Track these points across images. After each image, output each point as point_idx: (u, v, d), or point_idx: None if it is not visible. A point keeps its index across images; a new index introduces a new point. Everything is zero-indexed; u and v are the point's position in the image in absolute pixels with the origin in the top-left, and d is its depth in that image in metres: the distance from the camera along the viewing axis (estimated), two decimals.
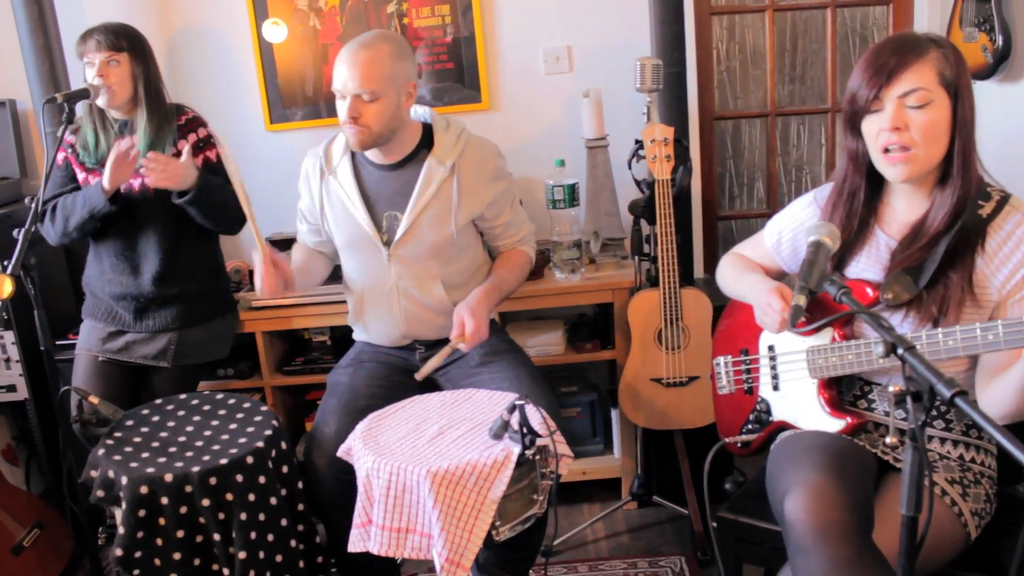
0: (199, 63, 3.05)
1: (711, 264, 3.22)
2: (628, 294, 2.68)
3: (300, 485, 2.04)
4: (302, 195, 2.33)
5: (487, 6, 2.98)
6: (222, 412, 2.11)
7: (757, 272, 1.89)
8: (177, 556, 1.85)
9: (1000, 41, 2.50)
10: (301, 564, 2.00)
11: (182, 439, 1.99)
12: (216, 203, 2.36)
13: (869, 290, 1.64)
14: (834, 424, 1.70)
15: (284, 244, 2.90)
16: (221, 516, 1.86)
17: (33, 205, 2.05)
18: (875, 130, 1.59)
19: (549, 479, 1.78)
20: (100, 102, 2.36)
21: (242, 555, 1.86)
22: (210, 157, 2.45)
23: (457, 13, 2.97)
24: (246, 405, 2.13)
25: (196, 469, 1.84)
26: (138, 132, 2.39)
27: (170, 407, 2.16)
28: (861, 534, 1.45)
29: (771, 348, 1.86)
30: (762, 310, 1.74)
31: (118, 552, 1.83)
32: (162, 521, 1.84)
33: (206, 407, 2.14)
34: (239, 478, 1.87)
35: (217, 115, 2.74)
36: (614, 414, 2.88)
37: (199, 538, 1.88)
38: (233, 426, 2.03)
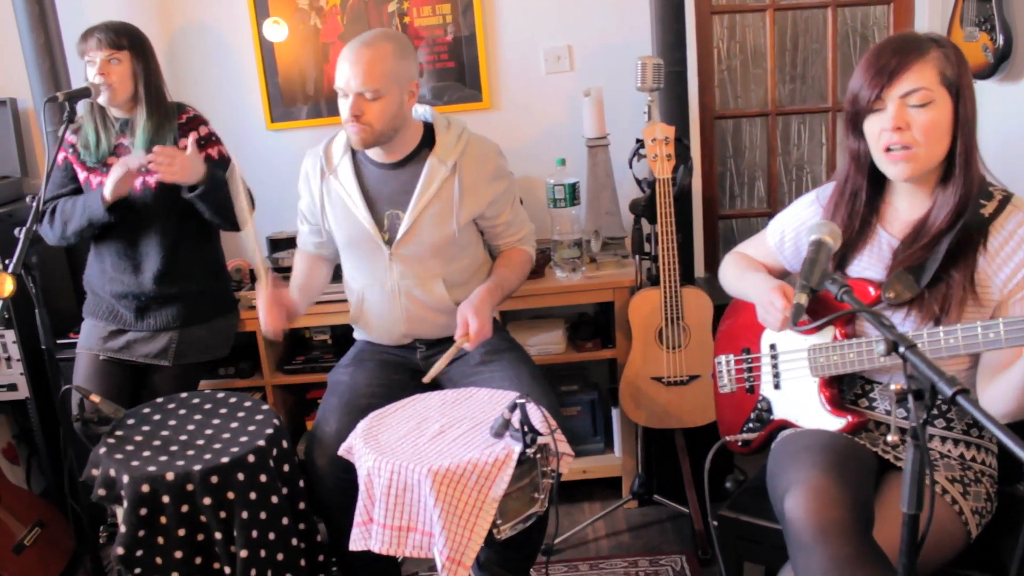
0: (200, 62, 3.05)
1: (712, 263, 3.22)
2: (629, 293, 2.68)
3: (301, 484, 2.05)
4: (302, 195, 2.33)
5: (488, 5, 2.98)
6: (223, 411, 2.11)
7: (760, 271, 1.89)
8: (178, 554, 1.85)
9: (1001, 40, 2.50)
10: (302, 562, 2.00)
11: (183, 438, 1.99)
12: (225, 198, 2.36)
13: (871, 289, 1.64)
14: (835, 422, 1.71)
15: (285, 243, 2.91)
16: (222, 514, 1.86)
17: (34, 204, 2.05)
18: (877, 130, 1.59)
19: (550, 477, 1.78)
20: (101, 101, 2.36)
21: (243, 553, 1.86)
22: (211, 154, 2.45)
23: (458, 12, 2.97)
24: (247, 404, 2.13)
25: (197, 467, 1.84)
26: (138, 130, 2.39)
27: (171, 406, 2.16)
28: (861, 532, 1.45)
29: (773, 347, 1.86)
30: (764, 308, 1.74)
31: (119, 550, 1.83)
32: (163, 519, 1.84)
33: (207, 406, 2.14)
34: (240, 476, 1.87)
35: (218, 114, 2.74)
36: (615, 413, 2.89)
37: (200, 536, 1.88)
38: (234, 425, 2.03)
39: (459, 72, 3.03)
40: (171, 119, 2.42)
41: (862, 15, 3.18)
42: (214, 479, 1.84)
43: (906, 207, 1.69)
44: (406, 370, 2.33)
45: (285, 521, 1.94)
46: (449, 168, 2.19)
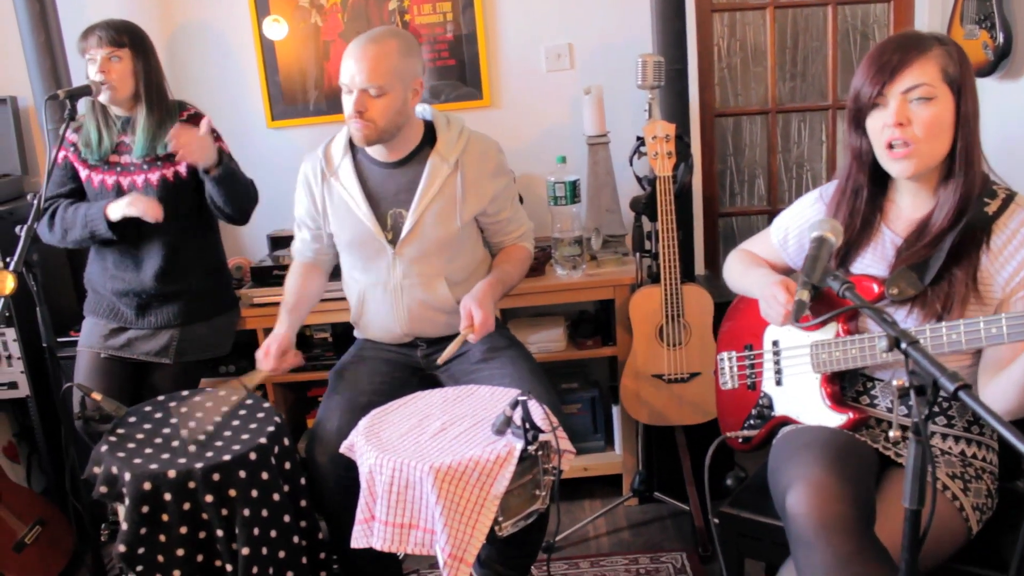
0: (200, 60, 3.05)
1: (712, 261, 3.22)
2: (629, 291, 2.68)
3: (303, 481, 2.05)
4: (301, 201, 2.31)
5: (488, 3, 2.98)
6: (224, 408, 2.11)
7: (763, 267, 1.90)
8: (180, 552, 1.85)
9: (1001, 38, 2.51)
10: (304, 560, 2.00)
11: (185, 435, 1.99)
12: (239, 183, 2.39)
13: (875, 285, 1.65)
14: (836, 419, 1.71)
15: (286, 241, 2.91)
16: (224, 512, 1.86)
17: (35, 203, 2.06)
18: (879, 126, 1.60)
19: (551, 475, 1.78)
20: (102, 99, 2.36)
21: (245, 551, 1.86)
22: None
23: (458, 10, 2.97)
24: (248, 402, 2.13)
25: (199, 465, 1.84)
26: (139, 128, 2.39)
27: (173, 404, 2.16)
28: (863, 528, 1.45)
29: (775, 343, 1.87)
30: (767, 303, 1.75)
31: (121, 548, 1.83)
32: (165, 517, 1.84)
33: (208, 404, 2.14)
34: (242, 474, 1.87)
35: (218, 112, 2.73)
36: (615, 410, 2.89)
37: (202, 534, 1.88)
38: (236, 423, 2.03)
39: (460, 70, 3.03)
40: (172, 117, 2.42)
41: (862, 13, 3.18)
42: (216, 477, 1.84)
43: (909, 205, 1.69)
44: (407, 368, 2.34)
45: (287, 519, 1.94)
46: (451, 165, 2.19)
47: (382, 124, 2.10)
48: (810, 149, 3.31)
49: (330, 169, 2.25)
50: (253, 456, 1.89)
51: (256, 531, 1.88)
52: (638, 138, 2.56)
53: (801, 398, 1.79)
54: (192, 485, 1.83)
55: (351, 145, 2.25)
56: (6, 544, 2.48)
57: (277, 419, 2.03)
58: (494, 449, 1.70)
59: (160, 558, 1.84)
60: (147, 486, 1.82)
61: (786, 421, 1.83)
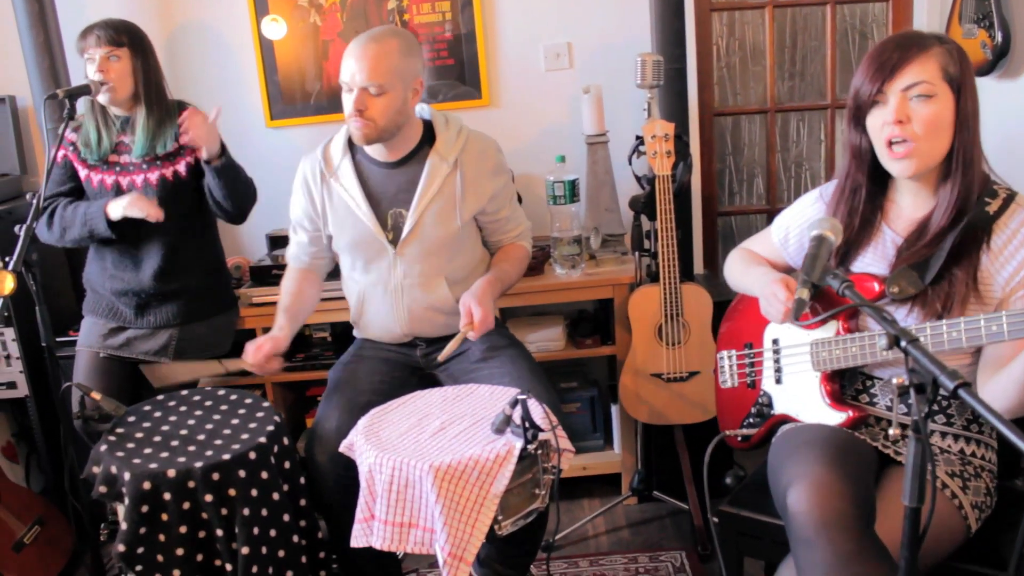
0: (199, 60, 3.05)
1: (711, 260, 3.22)
2: (628, 290, 2.68)
3: (302, 481, 2.05)
4: (298, 202, 2.31)
5: (487, 2, 2.98)
6: (224, 408, 2.11)
7: (763, 265, 1.91)
8: (180, 552, 1.85)
9: (999, 37, 2.51)
10: (303, 559, 2.00)
11: (184, 434, 1.99)
12: (239, 178, 2.40)
13: (875, 284, 1.65)
14: (835, 417, 1.71)
15: (285, 241, 2.90)
16: (224, 511, 1.86)
17: (35, 202, 2.05)
18: (879, 123, 1.60)
19: (551, 473, 1.78)
20: (102, 100, 2.36)
21: (245, 550, 1.86)
22: None
23: (457, 9, 2.97)
24: (247, 401, 2.13)
25: (199, 464, 1.84)
26: (139, 128, 2.39)
27: (172, 403, 2.16)
28: (864, 527, 1.46)
29: (776, 341, 1.87)
30: (767, 300, 1.75)
31: (121, 548, 1.83)
32: (165, 517, 1.84)
33: (208, 403, 2.15)
34: (242, 473, 1.87)
35: None
36: (614, 409, 2.89)
37: (202, 533, 1.89)
38: (235, 422, 2.03)
39: (459, 70, 3.03)
40: (171, 116, 2.42)
41: (861, 12, 3.18)
42: (216, 476, 1.84)
43: (910, 205, 1.69)
44: (406, 367, 2.34)
45: (286, 518, 1.94)
46: (450, 164, 2.19)
47: (382, 123, 2.10)
48: (809, 148, 3.32)
49: (329, 170, 2.24)
50: (253, 455, 1.89)
51: (256, 530, 1.88)
52: (637, 137, 2.56)
53: (801, 396, 1.79)
54: (192, 484, 1.83)
55: (350, 145, 2.25)
56: (5, 544, 2.48)
57: (276, 418, 2.03)
58: (494, 448, 1.70)
59: (160, 557, 1.84)
60: (147, 485, 1.82)
61: (785, 419, 1.83)
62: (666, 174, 2.45)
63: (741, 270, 1.95)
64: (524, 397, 1.72)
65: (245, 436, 1.95)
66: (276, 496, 1.92)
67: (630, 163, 2.64)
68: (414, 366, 2.35)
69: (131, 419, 2.07)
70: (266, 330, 2.75)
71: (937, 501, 1.54)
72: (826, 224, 1.48)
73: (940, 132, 1.57)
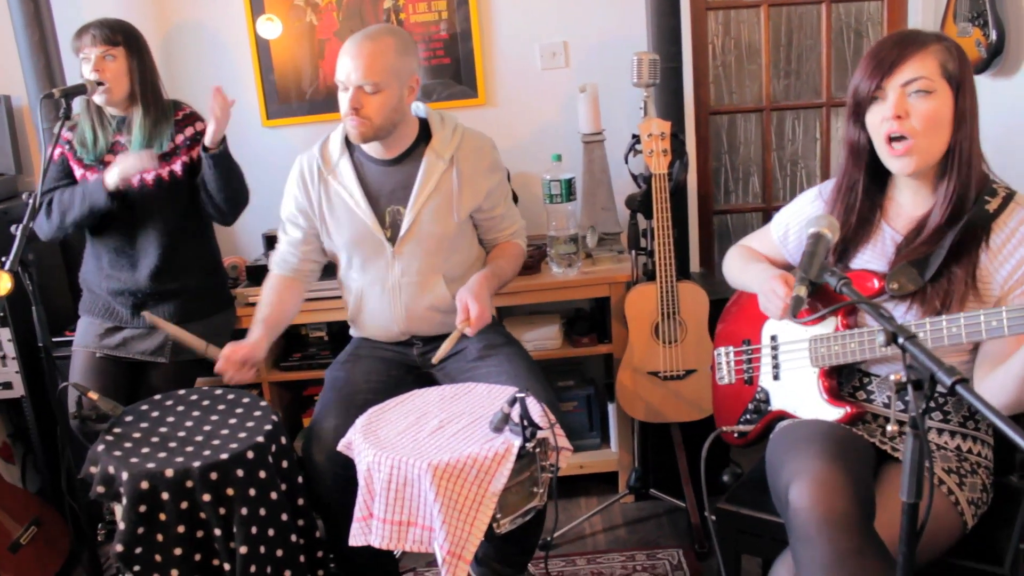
0: (195, 59, 3.04)
1: (707, 258, 3.23)
2: (625, 288, 2.69)
3: (300, 480, 2.05)
4: (295, 200, 2.29)
5: (483, 1, 2.98)
6: (221, 407, 2.11)
7: (762, 262, 1.91)
8: (178, 551, 1.85)
9: (994, 35, 2.51)
10: (301, 558, 2.00)
11: (182, 434, 1.99)
12: (235, 173, 2.41)
13: (875, 280, 1.65)
14: (833, 412, 1.72)
15: None
16: (222, 511, 1.86)
17: (31, 201, 2.05)
18: (878, 119, 1.60)
19: (549, 472, 1.78)
20: (97, 100, 2.36)
21: (243, 550, 1.86)
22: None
23: (453, 8, 2.97)
24: (245, 400, 2.13)
25: (197, 464, 1.83)
26: (135, 128, 2.38)
27: (169, 403, 2.16)
28: (864, 524, 1.46)
29: (774, 338, 1.87)
30: (766, 296, 1.76)
31: (118, 548, 1.83)
32: (163, 516, 1.84)
33: (205, 402, 2.14)
34: (240, 473, 1.87)
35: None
36: (611, 408, 2.89)
37: (200, 533, 1.88)
38: (233, 421, 2.03)
39: (455, 69, 3.03)
40: (168, 116, 2.42)
41: (856, 11, 3.19)
42: (213, 475, 1.84)
43: (909, 203, 1.70)
44: (403, 366, 2.34)
45: (284, 517, 1.94)
46: (447, 162, 2.19)
47: (378, 121, 2.10)
48: (804, 146, 3.32)
49: (328, 167, 2.24)
50: (250, 455, 1.89)
51: (254, 530, 1.88)
52: (633, 136, 2.56)
53: (798, 392, 1.79)
54: (189, 484, 1.83)
55: (347, 143, 2.25)
56: (1, 545, 2.47)
57: (274, 417, 2.02)
58: (492, 446, 1.70)
59: (158, 557, 1.84)
60: (144, 485, 1.82)
61: (782, 415, 1.84)
62: (662, 172, 2.45)
63: (740, 266, 1.96)
64: (522, 395, 1.72)
65: (243, 435, 1.95)
66: (274, 495, 1.92)
67: (626, 162, 2.64)
68: (411, 365, 2.35)
69: (128, 419, 2.07)
70: None
71: (934, 498, 1.54)
72: (823, 222, 1.49)
73: (939, 128, 1.57)
